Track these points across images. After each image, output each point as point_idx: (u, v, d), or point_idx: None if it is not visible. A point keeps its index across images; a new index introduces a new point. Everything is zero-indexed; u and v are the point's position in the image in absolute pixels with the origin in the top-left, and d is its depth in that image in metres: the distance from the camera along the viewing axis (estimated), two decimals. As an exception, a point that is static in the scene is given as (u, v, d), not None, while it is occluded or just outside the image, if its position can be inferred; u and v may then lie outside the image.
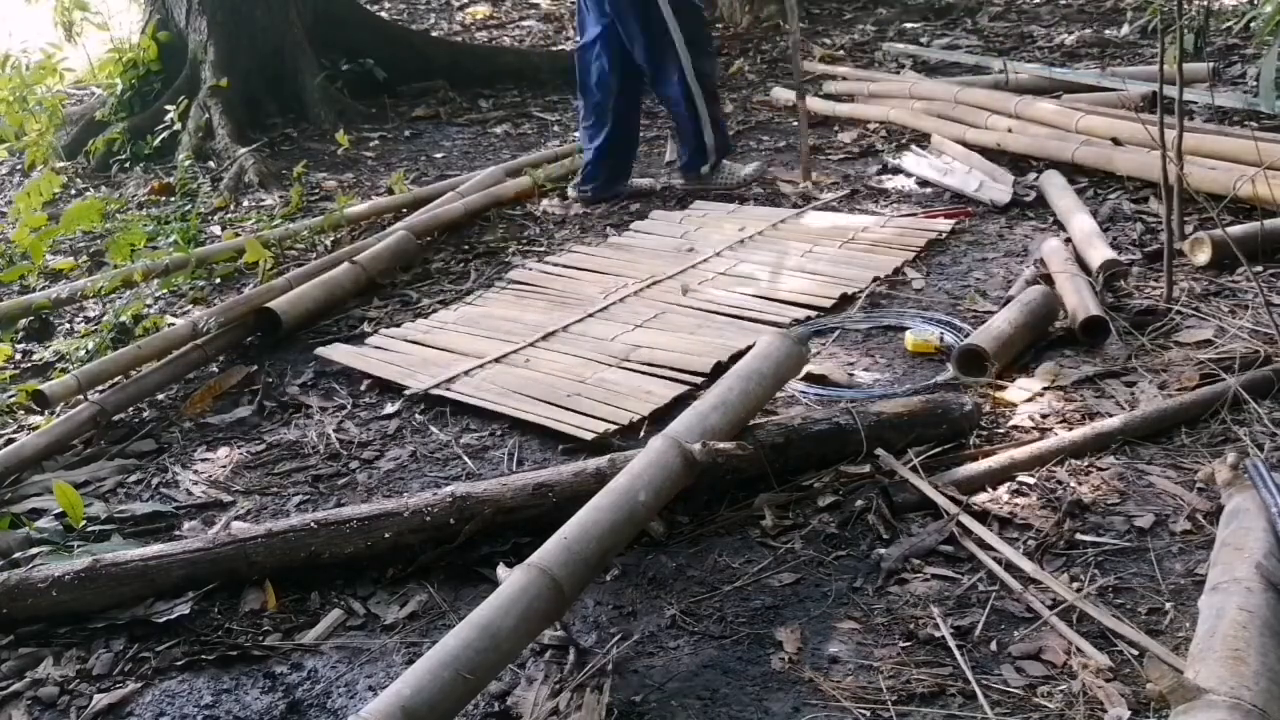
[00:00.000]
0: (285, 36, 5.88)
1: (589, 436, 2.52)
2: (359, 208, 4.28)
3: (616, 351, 2.96)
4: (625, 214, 4.13)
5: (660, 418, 2.58)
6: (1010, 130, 4.19)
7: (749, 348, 2.60)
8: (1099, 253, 3.01)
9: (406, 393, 2.85)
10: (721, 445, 2.04)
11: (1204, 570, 1.81)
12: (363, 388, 2.96)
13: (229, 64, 5.68)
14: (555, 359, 2.96)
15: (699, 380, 2.75)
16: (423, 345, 3.12)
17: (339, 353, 3.11)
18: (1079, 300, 2.76)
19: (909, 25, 6.52)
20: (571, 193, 4.31)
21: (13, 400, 3.08)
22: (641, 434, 2.52)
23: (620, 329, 3.10)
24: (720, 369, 2.75)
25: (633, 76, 4.11)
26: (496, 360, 2.97)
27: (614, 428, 2.55)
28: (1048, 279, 2.96)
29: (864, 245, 3.53)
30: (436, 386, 2.85)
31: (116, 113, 5.79)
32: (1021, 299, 2.77)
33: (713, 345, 2.92)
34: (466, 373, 2.91)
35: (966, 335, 2.78)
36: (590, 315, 3.21)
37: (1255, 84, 4.42)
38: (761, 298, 3.23)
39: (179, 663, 1.96)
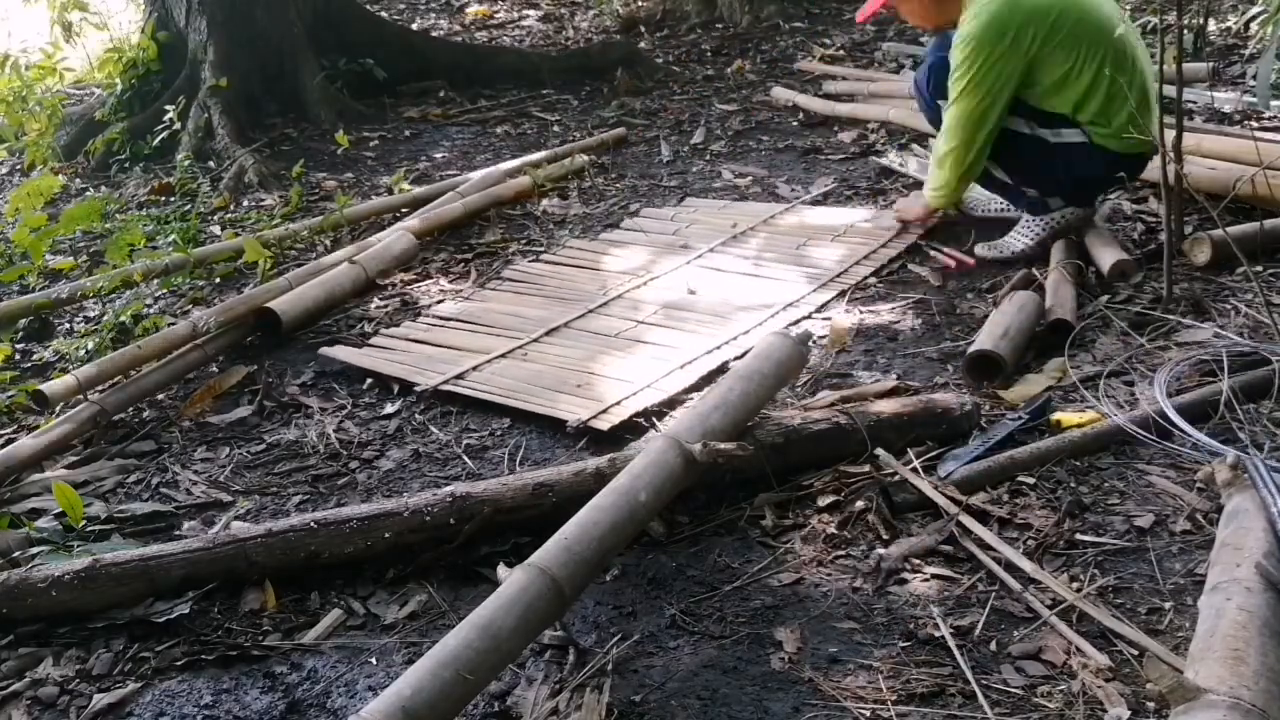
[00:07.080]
0: (285, 36, 5.88)
1: (605, 427, 2.54)
2: (359, 208, 4.29)
3: (620, 346, 2.98)
4: (625, 214, 4.13)
5: (663, 413, 2.60)
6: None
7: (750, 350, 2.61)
8: (1109, 253, 3.03)
9: (416, 389, 2.85)
10: (722, 445, 2.04)
11: (1204, 570, 1.81)
12: (364, 386, 2.96)
13: (229, 64, 5.67)
14: (560, 353, 2.98)
15: (704, 374, 2.79)
16: (426, 343, 3.13)
17: (343, 353, 3.11)
18: (1056, 301, 2.80)
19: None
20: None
21: (13, 400, 3.08)
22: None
23: (622, 324, 3.12)
24: (725, 368, 2.77)
25: None
26: (502, 356, 2.98)
27: (623, 418, 2.57)
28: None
29: (858, 238, 3.55)
30: (445, 383, 2.86)
31: (116, 113, 5.79)
32: (1016, 301, 2.78)
33: (715, 343, 2.93)
34: (475, 368, 2.92)
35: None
36: (590, 311, 3.22)
37: (1253, 83, 4.42)
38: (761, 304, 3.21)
39: (179, 662, 1.96)
